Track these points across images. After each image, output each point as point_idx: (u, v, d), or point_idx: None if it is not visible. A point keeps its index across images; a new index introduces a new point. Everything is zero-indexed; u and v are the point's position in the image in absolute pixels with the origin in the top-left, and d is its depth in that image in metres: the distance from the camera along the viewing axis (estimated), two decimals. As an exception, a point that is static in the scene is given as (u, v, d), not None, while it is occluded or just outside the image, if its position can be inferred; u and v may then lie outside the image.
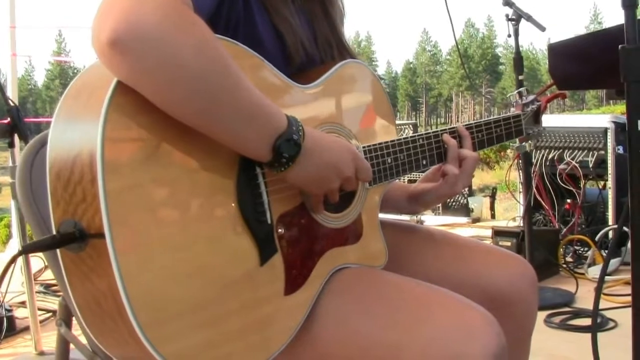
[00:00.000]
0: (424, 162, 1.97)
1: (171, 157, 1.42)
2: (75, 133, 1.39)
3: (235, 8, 1.67)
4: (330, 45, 1.96)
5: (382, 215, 1.99)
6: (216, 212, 1.48)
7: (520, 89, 2.35)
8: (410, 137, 1.94)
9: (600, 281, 1.98)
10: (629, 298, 1.82)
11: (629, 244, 2.04)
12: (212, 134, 1.44)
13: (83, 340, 1.85)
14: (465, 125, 2.07)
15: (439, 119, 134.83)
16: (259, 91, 1.48)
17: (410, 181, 5.25)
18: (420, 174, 2.09)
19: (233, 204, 1.51)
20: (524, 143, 2.36)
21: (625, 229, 2.00)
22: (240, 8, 1.68)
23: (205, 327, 1.42)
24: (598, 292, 1.90)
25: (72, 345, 2.10)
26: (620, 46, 1.69)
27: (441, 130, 2.00)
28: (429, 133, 1.99)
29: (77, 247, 1.35)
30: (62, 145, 1.39)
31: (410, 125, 7.79)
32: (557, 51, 2.57)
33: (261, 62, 1.63)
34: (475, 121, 2.09)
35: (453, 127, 2.03)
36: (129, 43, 1.31)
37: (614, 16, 1.69)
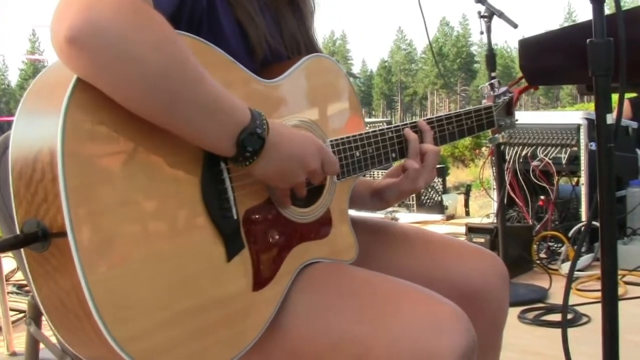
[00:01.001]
0: (394, 155, 1.96)
1: (134, 154, 1.40)
2: (37, 131, 1.37)
3: (199, 3, 1.66)
4: (297, 41, 1.95)
5: (356, 213, 1.98)
6: (181, 208, 1.47)
7: (492, 81, 2.34)
8: (379, 130, 1.93)
9: (570, 277, 1.98)
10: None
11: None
12: (174, 130, 1.43)
13: (54, 340, 1.84)
14: (437, 117, 2.06)
15: (414, 117, 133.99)
16: (222, 86, 1.47)
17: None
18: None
19: (198, 200, 1.50)
20: (496, 135, 2.35)
21: (595, 223, 2.00)
22: (203, 4, 1.67)
23: (173, 324, 1.41)
24: (567, 287, 1.90)
25: (42, 345, 2.09)
26: (588, 40, 1.69)
27: (402, 125, 1.99)
28: (397, 126, 1.98)
29: (40, 246, 1.33)
30: (23, 143, 1.37)
31: (385, 123, 7.78)
32: (528, 46, 2.58)
33: (224, 57, 1.62)
34: (446, 114, 2.09)
35: (414, 122, 2.01)
36: (86, 40, 1.30)
37: (588, 14, 1.69)
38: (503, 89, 2.32)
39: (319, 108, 1.87)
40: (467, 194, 7.90)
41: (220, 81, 1.48)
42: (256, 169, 1.54)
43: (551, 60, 2.50)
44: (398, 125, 1.98)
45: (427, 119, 2.04)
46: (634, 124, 5.46)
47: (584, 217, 4.97)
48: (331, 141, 1.82)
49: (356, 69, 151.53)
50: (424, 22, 3.64)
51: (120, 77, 1.34)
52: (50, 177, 1.30)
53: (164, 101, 1.39)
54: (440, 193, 7.60)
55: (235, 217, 1.56)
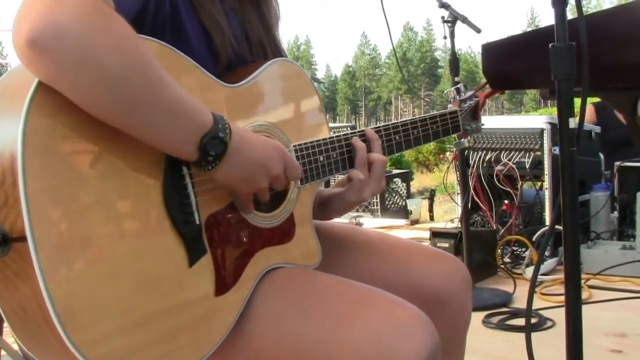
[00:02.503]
0: (355, 160, 1.94)
1: (95, 158, 1.39)
2: None
3: (162, 7, 1.64)
4: (264, 47, 1.94)
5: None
6: (143, 213, 1.46)
7: (459, 85, 2.35)
8: (343, 134, 1.93)
9: (533, 281, 1.99)
10: (565, 297, 1.83)
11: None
12: (136, 133, 1.42)
13: (15, 346, 1.82)
14: (402, 122, 2.06)
15: (378, 122, 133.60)
16: (184, 90, 1.47)
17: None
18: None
19: (160, 205, 1.49)
20: (462, 139, 2.36)
21: (558, 228, 2.00)
22: (167, 7, 1.66)
23: (134, 329, 1.40)
24: (531, 291, 1.90)
25: (3, 352, 2.06)
26: (550, 45, 1.69)
27: (351, 133, 1.96)
28: (362, 130, 1.97)
29: (0, 251, 1.32)
30: None
31: (349, 128, 7.80)
32: (491, 51, 2.58)
33: (187, 62, 1.61)
34: (411, 118, 2.08)
35: (362, 130, 1.99)
36: (47, 42, 1.29)
37: (551, 19, 1.69)
38: (469, 93, 2.32)
39: (282, 112, 1.86)
40: (431, 199, 7.91)
41: (183, 85, 1.47)
42: (219, 173, 1.54)
43: (514, 64, 2.51)
44: (362, 130, 1.98)
45: (375, 128, 2.02)
46: (597, 129, 5.49)
47: (547, 221, 4.99)
48: (294, 146, 1.82)
49: (320, 74, 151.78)
50: (388, 27, 3.64)
51: (81, 80, 1.33)
52: (10, 180, 1.29)
53: (125, 104, 1.38)
54: (404, 198, 7.62)
55: (197, 222, 1.56)
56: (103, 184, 1.39)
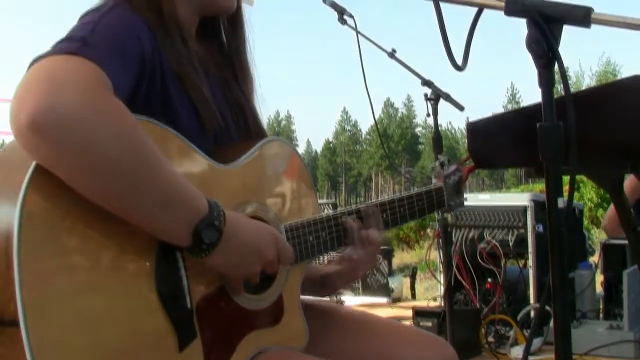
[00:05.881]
0: (347, 240, 1.97)
1: (90, 242, 1.39)
2: None
3: (154, 85, 1.68)
4: (245, 116, 1.99)
5: (303, 296, 1.96)
6: (135, 297, 1.45)
7: (442, 159, 2.36)
8: (332, 214, 1.95)
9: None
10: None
11: (551, 323, 2.02)
12: (131, 218, 1.43)
13: None
14: (389, 200, 2.09)
15: (358, 199, 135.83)
16: (179, 175, 1.49)
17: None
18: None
19: (152, 290, 1.48)
20: (445, 214, 2.38)
21: (547, 308, 1.97)
22: (158, 85, 1.69)
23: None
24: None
25: None
26: (538, 124, 1.68)
27: (349, 210, 1.99)
28: (350, 209, 1.99)
29: (-11, 333, 1.27)
30: None
31: (330, 205, 7.78)
32: (476, 130, 2.56)
33: (181, 142, 1.63)
34: (397, 195, 2.09)
35: (358, 208, 2.01)
36: (47, 127, 1.29)
37: (532, 95, 1.70)
38: (452, 167, 2.33)
39: (274, 192, 1.88)
40: (412, 277, 7.88)
41: (178, 166, 1.51)
42: (212, 260, 1.54)
43: (499, 143, 2.50)
44: (351, 209, 2.00)
45: (389, 200, 2.09)
46: (580, 205, 5.48)
47: (531, 300, 4.94)
48: (285, 226, 1.83)
49: (301, 150, 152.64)
50: (370, 103, 3.66)
51: (79, 164, 1.34)
52: (4, 262, 1.28)
53: (122, 189, 1.39)
54: (386, 275, 7.57)
55: (188, 306, 1.55)
56: (97, 268, 1.39)
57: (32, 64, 1.42)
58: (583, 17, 1.59)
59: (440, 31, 1.65)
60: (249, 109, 2.02)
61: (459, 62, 1.68)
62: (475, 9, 1.72)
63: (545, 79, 1.67)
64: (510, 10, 1.63)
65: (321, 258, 2.17)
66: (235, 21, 2.08)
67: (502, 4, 1.63)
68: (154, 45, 1.70)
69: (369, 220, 2.00)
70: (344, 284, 2.06)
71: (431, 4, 1.68)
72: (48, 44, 1.47)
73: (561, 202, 1.72)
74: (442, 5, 1.67)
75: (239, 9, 2.05)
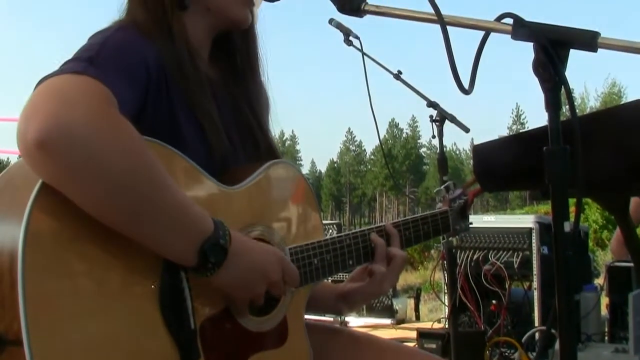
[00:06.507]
0: (351, 262, 1.97)
1: (95, 263, 1.39)
2: None
3: (160, 106, 1.68)
4: (256, 138, 1.98)
5: (307, 316, 1.96)
6: (139, 317, 1.45)
7: (448, 183, 2.36)
8: (337, 236, 1.94)
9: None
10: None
11: (556, 346, 2.01)
12: (136, 237, 1.43)
13: None
14: (393, 223, 2.07)
15: (362, 219, 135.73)
16: (185, 194, 1.49)
17: (335, 281, 5.20)
18: (347, 274, 2.08)
19: (156, 309, 1.48)
20: (451, 238, 2.38)
21: (552, 331, 1.96)
22: (164, 106, 1.69)
23: None
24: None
25: None
26: (544, 148, 1.68)
27: (368, 229, 2.00)
28: (355, 232, 1.99)
29: (-8, 353, 1.28)
30: None
31: (335, 225, 7.78)
32: (482, 153, 2.56)
33: (187, 164, 1.62)
34: (402, 219, 2.10)
35: (380, 226, 2.03)
36: (56, 141, 1.30)
37: (537, 117, 1.69)
38: (458, 191, 2.33)
39: (279, 215, 1.88)
40: (417, 298, 7.86)
41: (184, 187, 1.51)
42: (217, 279, 1.54)
43: (506, 166, 2.49)
44: (356, 232, 2.00)
45: (394, 223, 2.08)
46: (585, 227, 5.46)
47: (536, 322, 4.93)
48: (290, 249, 1.82)
49: (305, 170, 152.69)
50: (375, 123, 3.66)
51: (87, 183, 1.34)
52: (8, 282, 1.28)
53: (128, 208, 1.39)
54: (390, 297, 7.55)
55: (192, 326, 1.54)
56: (101, 289, 1.39)
57: (39, 83, 1.42)
58: (590, 42, 1.59)
59: (447, 55, 1.64)
60: (260, 132, 2.01)
61: (466, 85, 1.68)
62: (482, 33, 1.72)
63: (551, 102, 1.67)
64: (517, 35, 1.62)
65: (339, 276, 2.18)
66: (248, 38, 2.07)
67: (509, 27, 1.63)
68: (161, 67, 1.70)
69: (393, 238, 2.01)
70: (366, 300, 2.07)
71: (438, 26, 1.67)
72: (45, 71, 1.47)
73: (567, 226, 1.71)
74: (449, 28, 1.66)
75: (251, 27, 2.04)
